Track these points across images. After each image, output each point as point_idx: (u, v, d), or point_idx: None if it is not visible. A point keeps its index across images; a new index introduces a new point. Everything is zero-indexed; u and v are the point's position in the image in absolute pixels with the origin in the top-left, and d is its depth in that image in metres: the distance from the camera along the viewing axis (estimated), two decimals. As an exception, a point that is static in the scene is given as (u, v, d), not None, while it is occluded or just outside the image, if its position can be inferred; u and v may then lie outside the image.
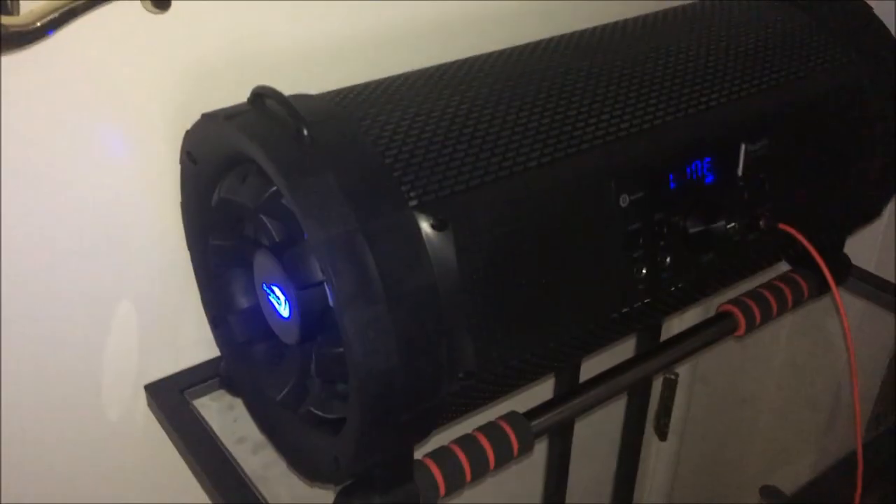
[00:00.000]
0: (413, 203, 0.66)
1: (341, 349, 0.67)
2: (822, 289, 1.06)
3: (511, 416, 0.83)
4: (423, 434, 0.73)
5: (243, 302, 0.83)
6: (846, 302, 1.10)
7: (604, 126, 0.74)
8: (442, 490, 0.78)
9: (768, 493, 0.85)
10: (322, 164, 0.64)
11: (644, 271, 0.75)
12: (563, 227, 0.71)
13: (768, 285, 1.02)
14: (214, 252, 0.81)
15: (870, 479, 0.82)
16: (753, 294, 1.01)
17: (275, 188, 0.69)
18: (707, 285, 0.85)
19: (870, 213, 1.00)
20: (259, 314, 0.81)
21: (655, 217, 0.75)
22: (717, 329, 0.98)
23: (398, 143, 0.68)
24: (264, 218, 0.72)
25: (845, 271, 1.07)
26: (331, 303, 0.70)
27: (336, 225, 0.62)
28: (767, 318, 1.01)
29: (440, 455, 0.79)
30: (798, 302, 1.04)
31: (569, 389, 0.90)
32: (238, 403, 0.91)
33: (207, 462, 0.83)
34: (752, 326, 1.00)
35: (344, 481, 0.73)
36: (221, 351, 0.87)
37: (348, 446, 0.69)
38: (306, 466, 0.77)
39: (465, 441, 0.80)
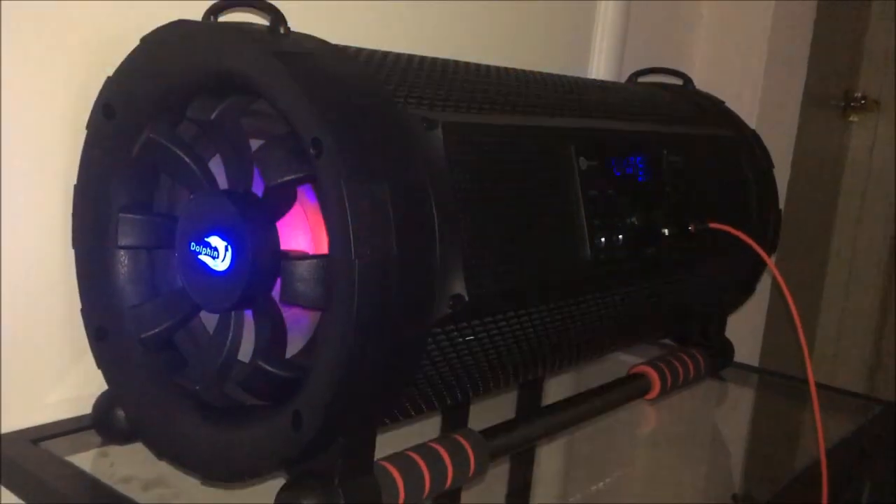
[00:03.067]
0: (399, 101, 0.61)
1: (318, 256, 0.57)
2: (713, 369, 1.06)
3: (466, 432, 0.72)
4: (400, 384, 0.61)
5: (144, 294, 0.69)
6: (711, 386, 1.11)
7: (569, 111, 0.78)
8: (401, 496, 0.64)
9: (740, 499, 0.78)
10: (304, 48, 0.59)
11: (603, 240, 0.73)
12: (536, 168, 0.69)
13: (672, 355, 1.01)
14: (123, 229, 0.68)
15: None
16: (662, 360, 0.99)
17: (229, 101, 0.62)
18: (649, 286, 0.83)
19: (749, 283, 1.05)
20: (161, 308, 0.68)
21: (608, 192, 0.75)
22: (630, 388, 0.94)
23: (389, 65, 0.65)
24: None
25: (730, 354, 1.09)
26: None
27: (331, 94, 0.56)
28: (676, 384, 0.99)
29: (398, 460, 0.65)
30: (697, 376, 1.03)
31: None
32: (112, 449, 0.72)
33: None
34: (664, 390, 0.97)
35: (302, 450, 0.58)
36: (106, 371, 0.70)
37: (324, 380, 0.55)
38: (239, 464, 0.61)
39: (422, 450, 0.68)
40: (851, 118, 2.37)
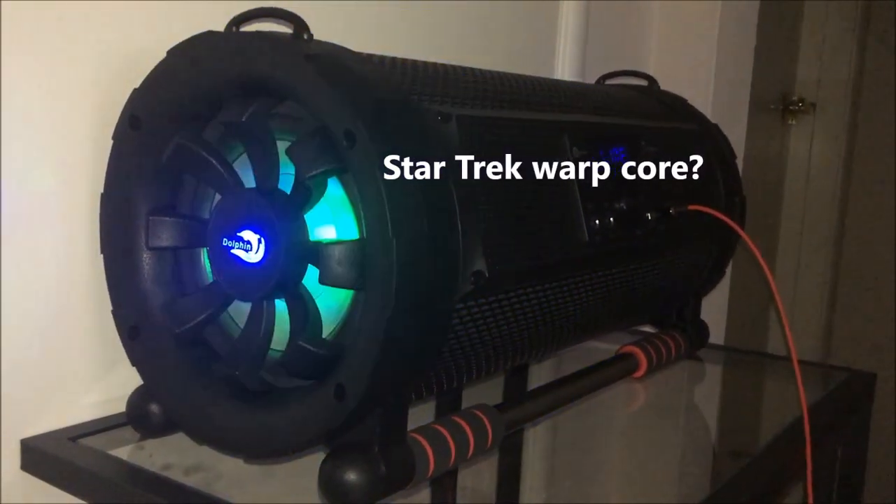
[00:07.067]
0: (415, 98, 0.67)
1: (353, 239, 0.62)
2: (692, 349, 1.13)
3: (483, 407, 0.77)
4: (432, 354, 0.66)
5: (171, 293, 0.74)
6: (690, 365, 1.19)
7: (561, 108, 0.86)
8: (431, 464, 0.69)
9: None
10: (328, 51, 0.64)
11: (596, 223, 0.79)
12: (537, 157, 0.75)
13: (654, 337, 1.07)
14: (154, 231, 0.72)
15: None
16: (646, 341, 1.05)
17: (257, 105, 0.67)
18: (638, 266, 0.90)
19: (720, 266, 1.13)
20: (195, 303, 0.72)
21: (599, 177, 0.81)
22: (620, 367, 1.00)
23: (401, 67, 0.71)
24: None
25: (705, 335, 1.16)
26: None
27: (358, 91, 0.61)
28: (660, 363, 1.05)
29: (427, 431, 0.70)
30: (678, 356, 1.10)
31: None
32: (147, 442, 0.76)
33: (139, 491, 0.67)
34: (650, 368, 1.03)
35: (345, 421, 0.62)
36: (140, 368, 0.73)
37: (364, 353, 0.60)
38: (282, 441, 0.65)
39: (446, 422, 0.73)
40: (790, 121, 2.49)
